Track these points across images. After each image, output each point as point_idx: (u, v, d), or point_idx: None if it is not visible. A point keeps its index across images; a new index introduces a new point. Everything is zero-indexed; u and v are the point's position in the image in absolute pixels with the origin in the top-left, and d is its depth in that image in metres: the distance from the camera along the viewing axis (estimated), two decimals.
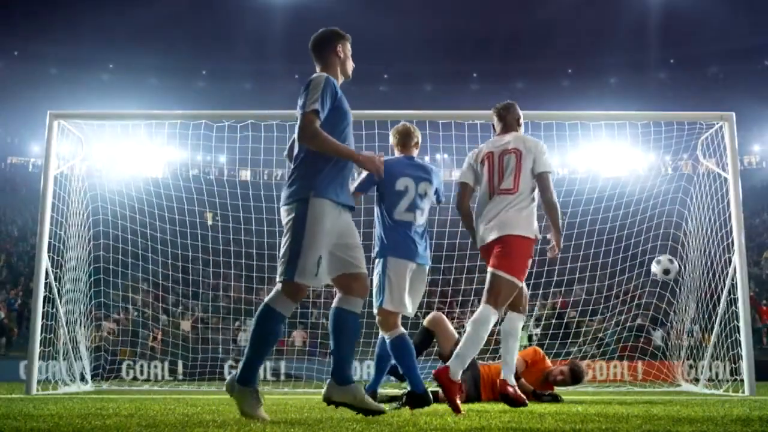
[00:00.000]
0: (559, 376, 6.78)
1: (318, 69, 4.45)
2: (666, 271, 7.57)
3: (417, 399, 4.95)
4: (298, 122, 4.15)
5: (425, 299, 7.07)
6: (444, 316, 6.73)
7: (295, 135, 4.27)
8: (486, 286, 5.04)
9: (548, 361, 7.06)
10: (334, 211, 4.16)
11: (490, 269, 5.08)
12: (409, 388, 5.04)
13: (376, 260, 5.34)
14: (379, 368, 5.67)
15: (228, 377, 4.19)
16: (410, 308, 5.37)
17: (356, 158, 4.23)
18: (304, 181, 4.14)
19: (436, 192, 5.47)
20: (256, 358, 4.12)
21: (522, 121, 5.65)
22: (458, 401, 4.67)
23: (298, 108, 4.21)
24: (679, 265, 7.91)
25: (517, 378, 6.23)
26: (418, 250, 5.26)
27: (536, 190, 5.27)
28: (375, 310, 5.30)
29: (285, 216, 4.17)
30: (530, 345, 13.16)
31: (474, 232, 5.38)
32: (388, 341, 5.19)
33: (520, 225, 5.09)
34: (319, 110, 4.11)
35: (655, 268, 8.16)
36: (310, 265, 4.04)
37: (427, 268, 5.41)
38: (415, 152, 5.69)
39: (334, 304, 4.25)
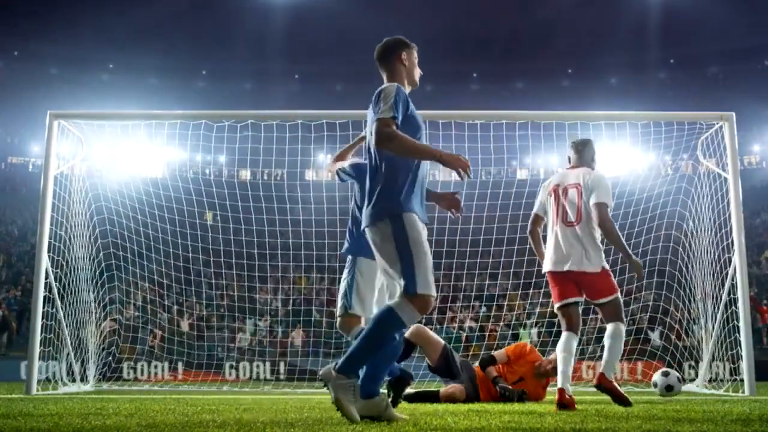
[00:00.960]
0: (549, 365, 6.79)
1: (385, 78, 4.39)
2: (669, 388, 7.32)
3: (399, 382, 5.35)
4: (374, 131, 4.02)
5: None
6: (425, 328, 6.84)
7: (371, 145, 4.16)
8: (602, 306, 5.83)
9: (537, 354, 7.05)
10: (421, 226, 4.11)
11: (607, 298, 5.79)
12: (388, 378, 5.35)
13: (348, 258, 5.61)
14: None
15: (324, 368, 4.02)
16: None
17: (439, 156, 4.03)
18: (391, 198, 4.05)
19: None
20: (364, 356, 3.98)
21: (596, 157, 6.19)
22: (623, 394, 5.55)
23: (370, 121, 4.12)
24: (679, 380, 7.56)
25: (498, 372, 6.75)
26: None
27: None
28: (338, 311, 5.55)
29: (377, 234, 4.07)
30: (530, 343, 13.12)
31: (540, 255, 6.06)
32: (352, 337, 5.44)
33: (595, 261, 5.75)
34: (395, 116, 4.01)
35: (659, 379, 7.48)
36: (430, 277, 3.98)
37: None
38: None
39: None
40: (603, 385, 5.67)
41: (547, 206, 6.02)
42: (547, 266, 5.92)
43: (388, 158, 4.10)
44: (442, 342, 6.86)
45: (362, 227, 4.21)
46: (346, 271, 5.64)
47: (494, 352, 7.03)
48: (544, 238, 6.08)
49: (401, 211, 4.01)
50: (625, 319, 5.92)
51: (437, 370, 6.81)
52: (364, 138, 6.04)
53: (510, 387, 6.56)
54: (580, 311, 5.89)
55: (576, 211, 5.79)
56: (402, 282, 3.94)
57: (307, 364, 16.31)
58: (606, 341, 5.86)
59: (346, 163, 5.96)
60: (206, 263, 14.74)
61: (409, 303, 3.92)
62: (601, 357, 6.09)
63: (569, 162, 6.19)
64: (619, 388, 5.76)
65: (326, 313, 17.30)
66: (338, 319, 5.62)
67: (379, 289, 5.64)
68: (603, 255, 5.81)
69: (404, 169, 4.09)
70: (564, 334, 5.79)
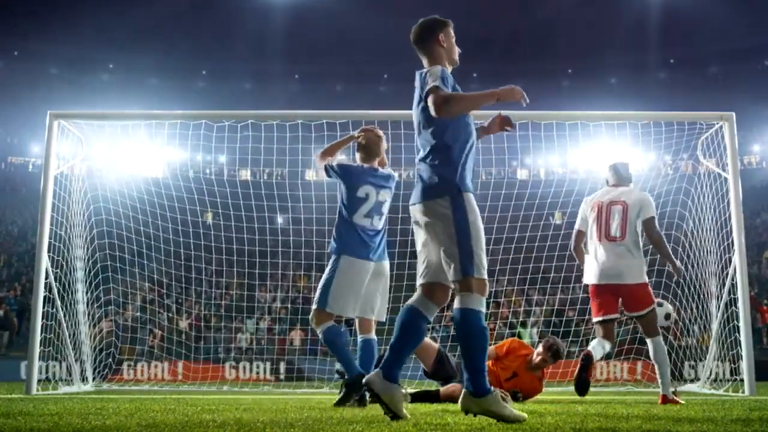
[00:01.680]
0: (538, 358, 6.79)
1: (425, 63, 4.29)
2: (667, 316, 7.52)
3: (355, 385, 5.56)
4: (430, 102, 3.92)
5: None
6: None
7: (421, 127, 4.12)
8: (641, 318, 6.25)
9: (528, 347, 7.03)
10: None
11: (645, 310, 6.22)
12: (348, 374, 5.64)
13: (332, 256, 5.84)
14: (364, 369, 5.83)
15: (460, 401, 3.91)
16: (376, 313, 5.90)
17: (496, 94, 4.01)
18: (448, 175, 4.00)
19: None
20: (480, 363, 3.89)
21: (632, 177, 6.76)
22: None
23: (418, 103, 4.08)
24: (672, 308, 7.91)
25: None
26: (373, 249, 5.79)
27: (641, 237, 6.28)
28: (314, 306, 5.77)
29: (432, 212, 3.99)
30: (530, 343, 13.09)
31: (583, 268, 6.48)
32: (321, 335, 5.76)
33: (636, 274, 6.22)
34: (444, 87, 3.98)
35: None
36: (485, 259, 3.96)
37: (386, 263, 5.93)
38: (376, 162, 6.08)
39: (412, 305, 4.09)
40: (668, 404, 5.96)
41: (589, 221, 6.42)
42: (590, 279, 6.32)
43: (443, 136, 4.06)
44: (436, 346, 6.87)
45: (412, 203, 4.14)
46: (328, 268, 5.82)
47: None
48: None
49: (462, 191, 4.00)
50: (660, 330, 6.36)
51: (434, 375, 6.81)
52: (352, 138, 6.21)
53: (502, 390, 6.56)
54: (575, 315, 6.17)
55: (621, 226, 6.21)
56: (458, 265, 3.90)
57: (306, 363, 16.32)
58: (655, 361, 6.27)
59: (334, 161, 6.11)
60: (206, 263, 14.74)
61: (470, 291, 3.89)
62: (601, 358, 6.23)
63: (608, 182, 6.67)
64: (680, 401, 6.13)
65: None
66: (312, 310, 5.84)
67: (363, 293, 5.82)
68: (645, 269, 6.30)
69: (459, 147, 4.06)
70: (596, 339, 6.30)
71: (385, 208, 5.97)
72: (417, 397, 6.50)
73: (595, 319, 6.33)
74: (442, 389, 6.52)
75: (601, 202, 6.40)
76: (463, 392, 3.90)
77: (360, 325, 5.99)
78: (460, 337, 3.91)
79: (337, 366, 6.25)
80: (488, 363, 6.75)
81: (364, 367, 5.79)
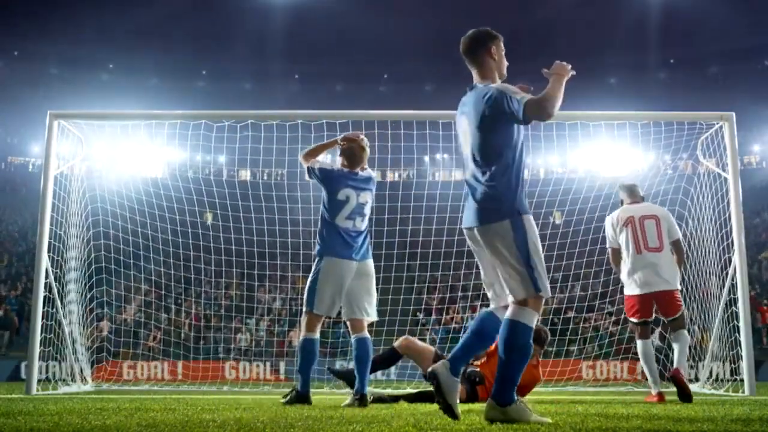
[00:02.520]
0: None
1: (475, 74, 4.31)
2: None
3: (300, 398, 5.89)
4: (535, 112, 3.93)
5: (425, 296, 7.17)
6: (413, 339, 7.01)
7: (473, 150, 4.13)
8: (674, 320, 6.89)
9: None
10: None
11: (679, 313, 6.89)
12: (299, 388, 5.93)
13: (316, 258, 6.07)
14: (360, 371, 5.94)
15: (485, 411, 3.95)
16: (358, 311, 6.01)
17: (563, 76, 4.13)
18: (509, 199, 4.04)
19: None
20: (516, 376, 3.95)
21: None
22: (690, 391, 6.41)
23: (507, 109, 3.99)
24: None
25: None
26: (356, 249, 5.97)
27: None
28: (304, 308, 6.01)
29: (493, 235, 4.04)
30: None
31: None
32: (300, 340, 6.00)
33: (677, 281, 6.97)
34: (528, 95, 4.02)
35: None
36: (546, 278, 4.05)
37: (370, 262, 6.12)
38: (359, 167, 6.25)
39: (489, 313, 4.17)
40: (677, 377, 6.48)
41: (621, 237, 6.99)
42: (634, 290, 6.87)
43: (502, 158, 4.07)
44: (432, 349, 6.90)
45: (470, 226, 4.16)
46: (312, 270, 6.05)
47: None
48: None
49: (522, 213, 4.04)
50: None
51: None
52: (335, 142, 6.35)
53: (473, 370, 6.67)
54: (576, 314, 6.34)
55: (658, 238, 6.84)
56: (530, 284, 3.97)
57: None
58: (675, 345, 6.86)
59: (317, 164, 6.24)
60: (206, 263, 14.73)
61: (525, 306, 3.97)
62: (598, 356, 6.44)
63: (623, 201, 7.29)
64: (688, 385, 6.59)
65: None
66: (303, 314, 6.07)
67: (349, 293, 6.00)
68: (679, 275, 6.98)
69: (516, 168, 4.08)
70: (640, 343, 6.96)
71: (367, 209, 6.14)
72: (419, 398, 6.50)
73: (635, 321, 6.98)
74: None
75: (632, 217, 6.96)
76: (488, 402, 3.95)
77: (351, 326, 6.10)
78: (503, 347, 3.96)
79: (335, 366, 6.39)
80: (482, 361, 6.78)
81: (361, 364, 5.90)
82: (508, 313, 4.01)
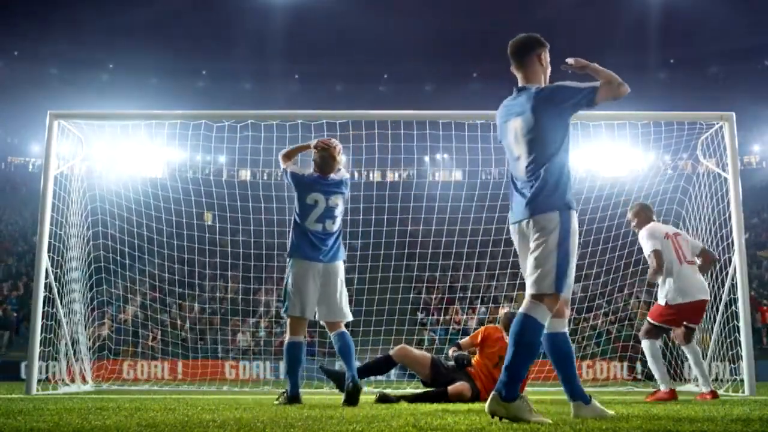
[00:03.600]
0: (498, 335, 6.87)
1: (519, 75, 4.41)
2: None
3: (291, 400, 5.97)
4: (608, 95, 4.24)
5: (424, 295, 7.20)
6: (409, 347, 7.07)
7: (528, 144, 4.20)
8: (686, 331, 7.35)
9: (500, 332, 7.02)
10: None
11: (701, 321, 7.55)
12: (289, 390, 5.99)
13: (287, 260, 6.24)
14: (347, 361, 6.10)
15: (488, 403, 3.94)
16: (328, 314, 6.15)
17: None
18: (562, 190, 4.14)
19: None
20: (522, 371, 3.98)
21: None
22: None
23: (573, 99, 4.21)
24: None
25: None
26: (324, 251, 6.11)
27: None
28: (282, 312, 6.21)
29: (541, 226, 4.09)
30: None
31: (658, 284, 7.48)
32: (285, 343, 6.13)
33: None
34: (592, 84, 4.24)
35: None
36: (572, 277, 4.11)
37: (338, 263, 6.21)
38: (330, 173, 6.35)
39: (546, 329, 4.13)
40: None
41: (666, 249, 7.30)
42: (678, 299, 7.22)
43: (556, 154, 4.17)
44: (429, 356, 6.93)
45: (520, 219, 4.23)
46: (286, 274, 6.23)
47: (460, 341, 7.21)
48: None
49: (570, 208, 4.13)
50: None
51: (433, 382, 6.84)
52: (308, 146, 6.50)
53: (461, 354, 6.77)
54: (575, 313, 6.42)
55: (691, 252, 7.41)
56: (553, 280, 4.02)
57: (306, 363, 16.30)
58: (692, 357, 7.46)
59: (291, 167, 6.42)
60: (206, 263, 14.73)
61: (541, 302, 4.01)
62: (594, 355, 6.55)
63: (649, 219, 7.66)
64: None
65: None
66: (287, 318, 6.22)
67: (320, 296, 6.12)
68: None
69: (567, 164, 4.22)
70: (648, 342, 7.33)
71: (338, 212, 6.27)
72: (421, 398, 6.51)
73: (656, 323, 7.35)
74: (450, 388, 6.52)
75: (668, 233, 7.46)
76: (492, 395, 3.94)
77: (328, 327, 6.23)
78: (513, 341, 3.99)
79: (334, 366, 6.47)
80: (484, 364, 6.76)
81: (345, 355, 6.05)
82: (522, 307, 4.06)
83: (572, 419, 4.03)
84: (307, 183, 6.26)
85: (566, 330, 4.27)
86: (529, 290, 4.09)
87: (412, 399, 6.41)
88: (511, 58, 4.45)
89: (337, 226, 6.26)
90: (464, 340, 7.11)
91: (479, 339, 6.95)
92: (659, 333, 7.46)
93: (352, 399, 5.83)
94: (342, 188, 6.33)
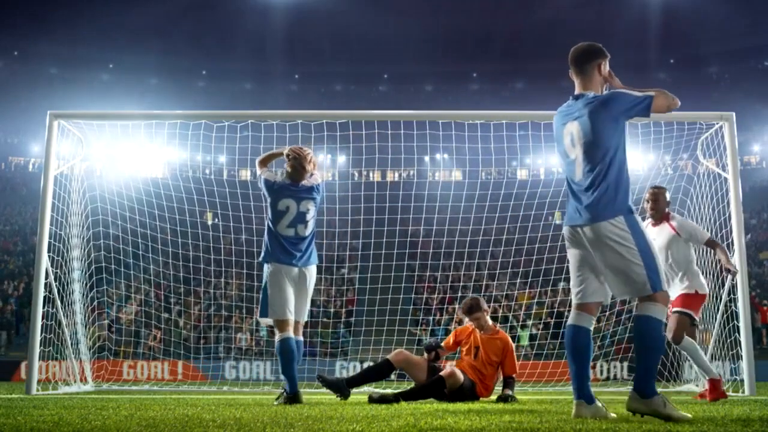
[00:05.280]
0: (471, 323, 6.91)
1: (577, 82, 4.45)
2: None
3: (291, 399, 6.03)
4: (665, 104, 4.46)
5: (425, 296, 7.20)
6: (407, 352, 7.10)
7: (595, 148, 4.25)
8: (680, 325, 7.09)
9: (465, 326, 7.11)
10: None
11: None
12: (288, 389, 6.06)
13: (263, 265, 6.35)
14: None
15: (627, 402, 4.09)
16: (295, 314, 6.29)
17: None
18: (622, 194, 4.24)
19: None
20: (653, 369, 4.12)
21: None
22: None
23: (630, 105, 4.30)
24: None
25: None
26: (297, 256, 6.24)
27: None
28: (258, 317, 6.36)
29: (601, 233, 4.17)
30: (529, 344, 13.10)
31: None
32: (276, 342, 6.21)
33: None
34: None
35: None
36: (662, 272, 4.19)
37: (312, 268, 6.37)
38: (301, 180, 6.46)
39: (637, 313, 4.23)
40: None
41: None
42: (706, 289, 7.26)
43: (615, 159, 4.25)
44: (424, 359, 6.94)
45: (577, 224, 4.30)
46: (263, 281, 6.33)
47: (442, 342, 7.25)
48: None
49: (631, 212, 4.21)
50: None
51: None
52: (282, 153, 6.63)
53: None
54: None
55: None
56: (647, 282, 4.10)
57: (306, 364, 16.31)
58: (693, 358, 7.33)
59: (264, 174, 6.55)
60: (206, 263, 14.73)
61: (655, 301, 4.10)
62: (597, 358, 6.44)
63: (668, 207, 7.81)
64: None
65: (324, 313, 17.30)
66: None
67: (295, 297, 6.26)
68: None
69: (625, 167, 4.30)
70: (690, 340, 7.15)
71: (310, 216, 6.39)
72: (418, 393, 6.50)
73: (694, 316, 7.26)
74: (442, 373, 6.53)
75: None
76: (630, 394, 4.06)
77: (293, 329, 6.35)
78: (639, 342, 4.10)
79: (334, 366, 6.46)
80: (466, 361, 6.78)
81: (292, 360, 6.20)
82: (639, 310, 4.14)
83: (573, 419, 4.03)
84: (279, 189, 6.38)
85: (591, 328, 4.35)
86: (634, 296, 4.19)
87: (410, 395, 6.39)
88: (571, 64, 4.49)
89: (309, 230, 6.38)
90: (445, 341, 7.22)
91: (452, 342, 7.09)
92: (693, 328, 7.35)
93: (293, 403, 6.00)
94: (313, 194, 6.45)
